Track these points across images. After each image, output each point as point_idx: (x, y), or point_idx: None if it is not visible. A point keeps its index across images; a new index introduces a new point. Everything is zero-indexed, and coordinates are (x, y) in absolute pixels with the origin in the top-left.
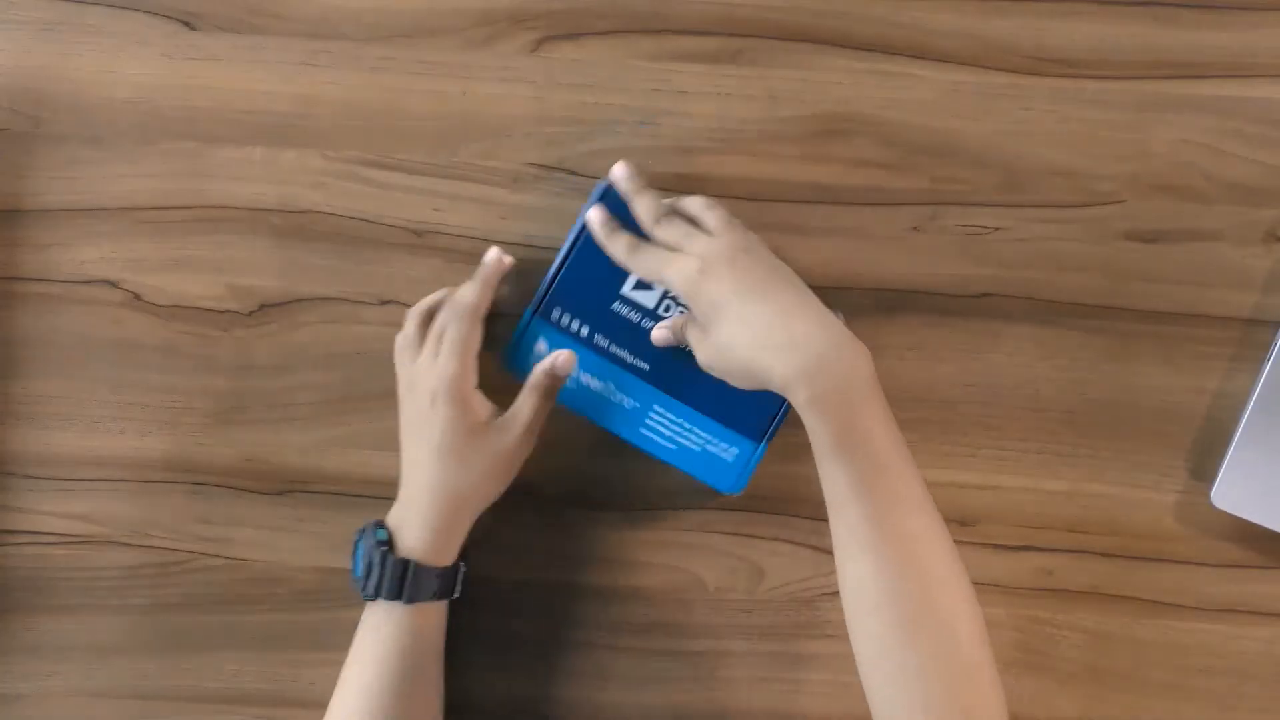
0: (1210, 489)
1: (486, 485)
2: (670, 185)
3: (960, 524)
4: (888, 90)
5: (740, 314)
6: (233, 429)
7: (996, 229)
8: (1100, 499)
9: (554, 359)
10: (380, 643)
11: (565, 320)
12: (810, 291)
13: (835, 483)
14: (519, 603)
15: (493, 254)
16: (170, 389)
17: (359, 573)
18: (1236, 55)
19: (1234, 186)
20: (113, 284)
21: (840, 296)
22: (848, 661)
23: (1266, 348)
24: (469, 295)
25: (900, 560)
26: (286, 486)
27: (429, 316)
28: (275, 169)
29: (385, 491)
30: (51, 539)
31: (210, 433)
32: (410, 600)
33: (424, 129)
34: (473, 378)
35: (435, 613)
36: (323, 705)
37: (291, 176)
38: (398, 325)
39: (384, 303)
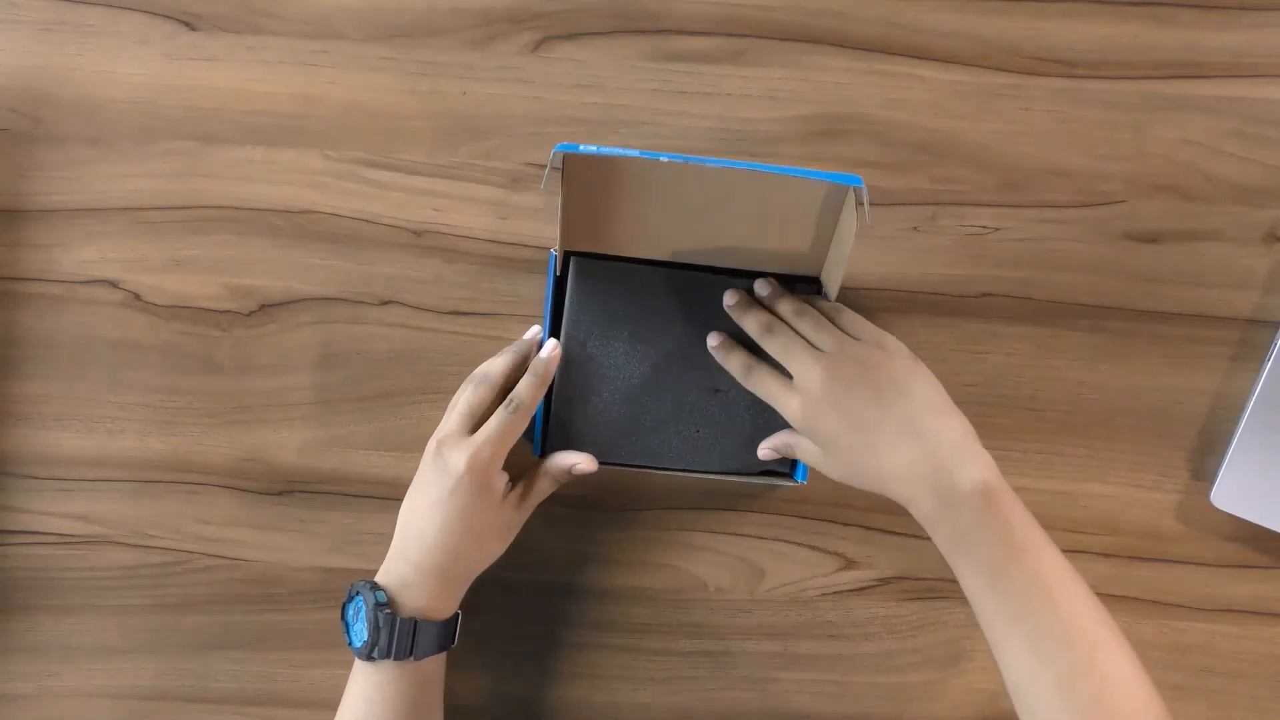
0: (1210, 489)
1: (493, 551)
2: None
3: None
4: (888, 90)
5: (850, 448)
6: (233, 429)
7: (996, 229)
8: (1100, 499)
9: (579, 462)
10: (387, 699)
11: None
12: (934, 395)
13: (966, 580)
14: (519, 603)
15: (548, 348)
16: (170, 389)
17: (365, 638)
18: (1236, 55)
19: (1234, 186)
20: (113, 284)
21: (841, 296)
22: (848, 661)
23: (1266, 348)
24: (526, 391)
25: (1054, 645)
26: (286, 486)
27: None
28: (275, 169)
29: (385, 491)
30: (51, 539)
31: (210, 433)
32: (418, 657)
33: (424, 129)
34: (500, 463)
35: (436, 661)
36: (323, 705)
37: (291, 176)
38: (398, 325)
39: (384, 303)
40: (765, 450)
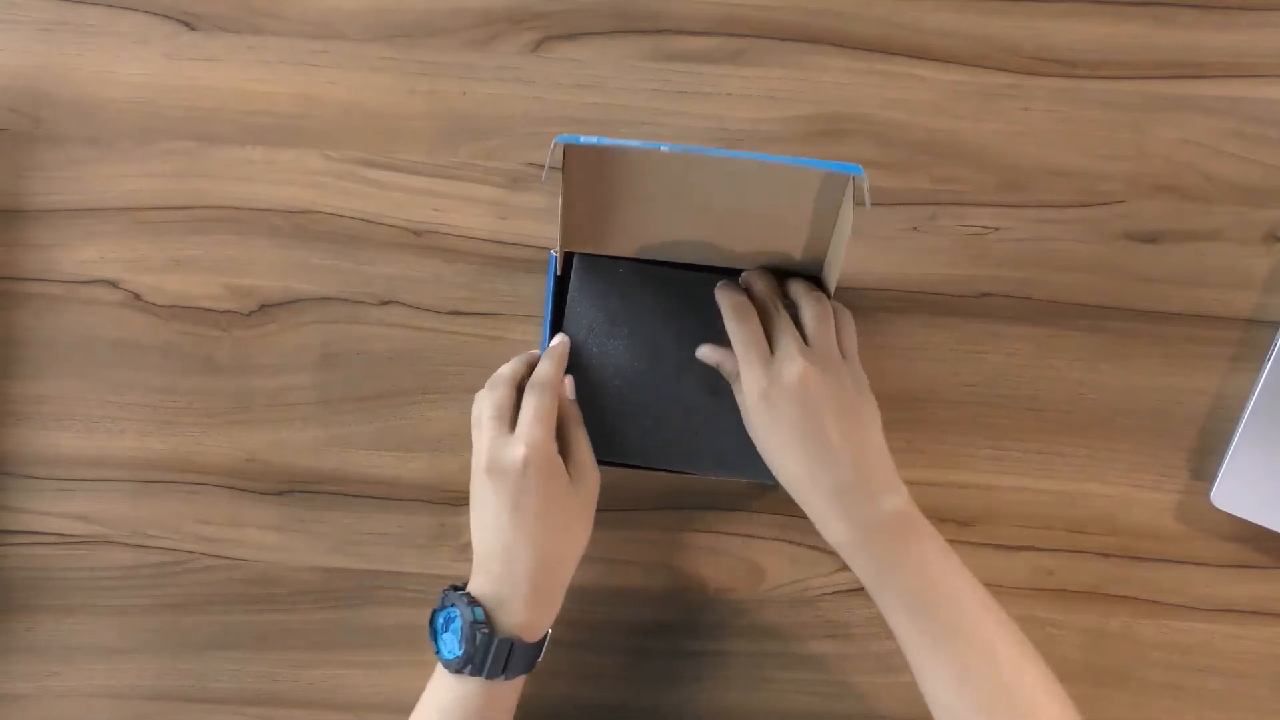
0: (1210, 489)
1: (582, 541)
2: None
3: (960, 524)
4: (888, 90)
5: (787, 445)
6: (233, 429)
7: (996, 229)
8: (1100, 499)
9: (564, 387)
10: (467, 714)
11: None
12: (879, 431)
13: (890, 613)
14: None
15: (558, 338)
16: (170, 389)
17: (458, 653)
18: (1236, 55)
19: (1234, 186)
20: (113, 284)
21: (841, 296)
22: (848, 661)
23: (1266, 348)
24: (547, 370)
25: (974, 670)
26: (286, 486)
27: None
28: (275, 169)
29: (385, 491)
30: (51, 539)
31: (210, 433)
32: (510, 677)
33: (424, 129)
34: (554, 440)
35: (520, 679)
36: (322, 705)
37: (291, 176)
38: (398, 325)
39: (384, 303)
40: (706, 351)
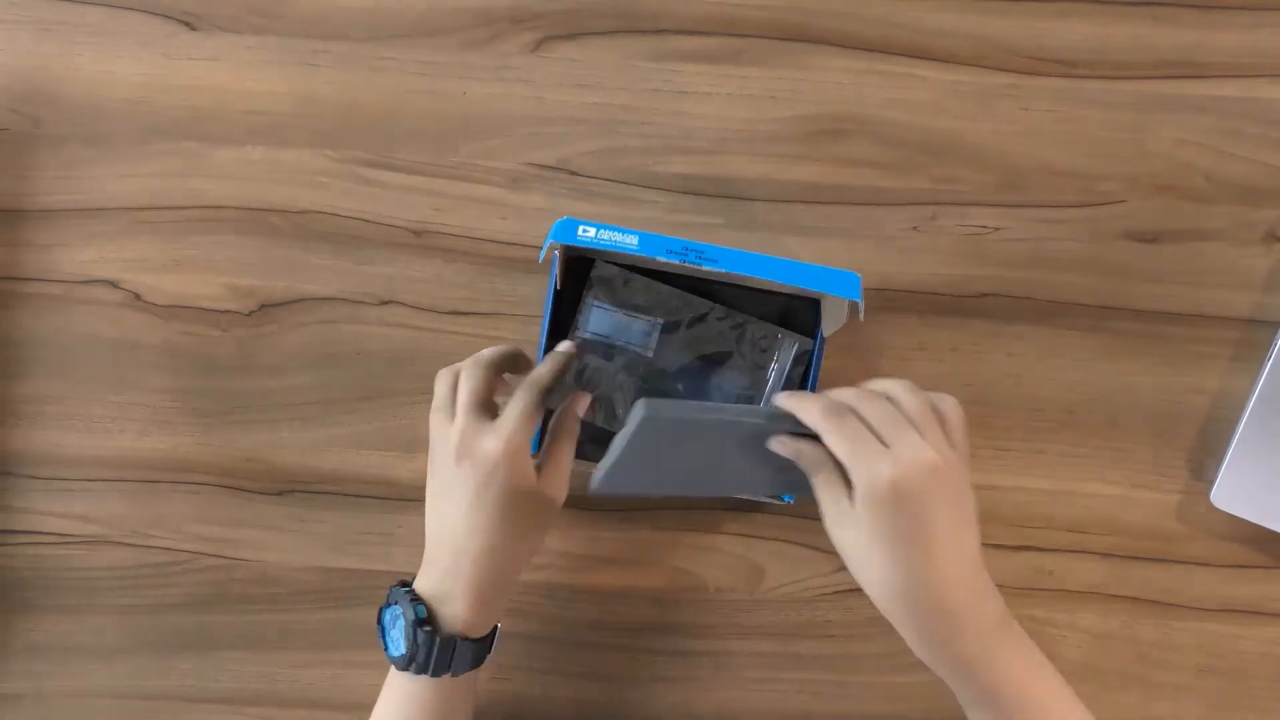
0: (1210, 489)
1: (534, 545)
2: (670, 185)
3: None
4: (888, 90)
5: (901, 546)
6: (233, 429)
7: (996, 229)
8: (1100, 499)
9: (573, 400)
10: (419, 710)
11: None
12: (972, 510)
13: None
14: (519, 603)
15: (567, 344)
16: (170, 389)
17: (402, 651)
18: (1236, 55)
19: (1234, 186)
20: (113, 284)
21: None
22: (848, 661)
23: (1266, 348)
24: (545, 372)
25: None
26: (286, 486)
27: (455, 381)
28: (275, 169)
29: (385, 491)
30: (51, 539)
31: (210, 433)
32: (455, 674)
33: (424, 129)
34: (530, 444)
35: (470, 677)
36: (322, 705)
37: (291, 176)
38: (398, 325)
39: (384, 303)
40: (780, 446)
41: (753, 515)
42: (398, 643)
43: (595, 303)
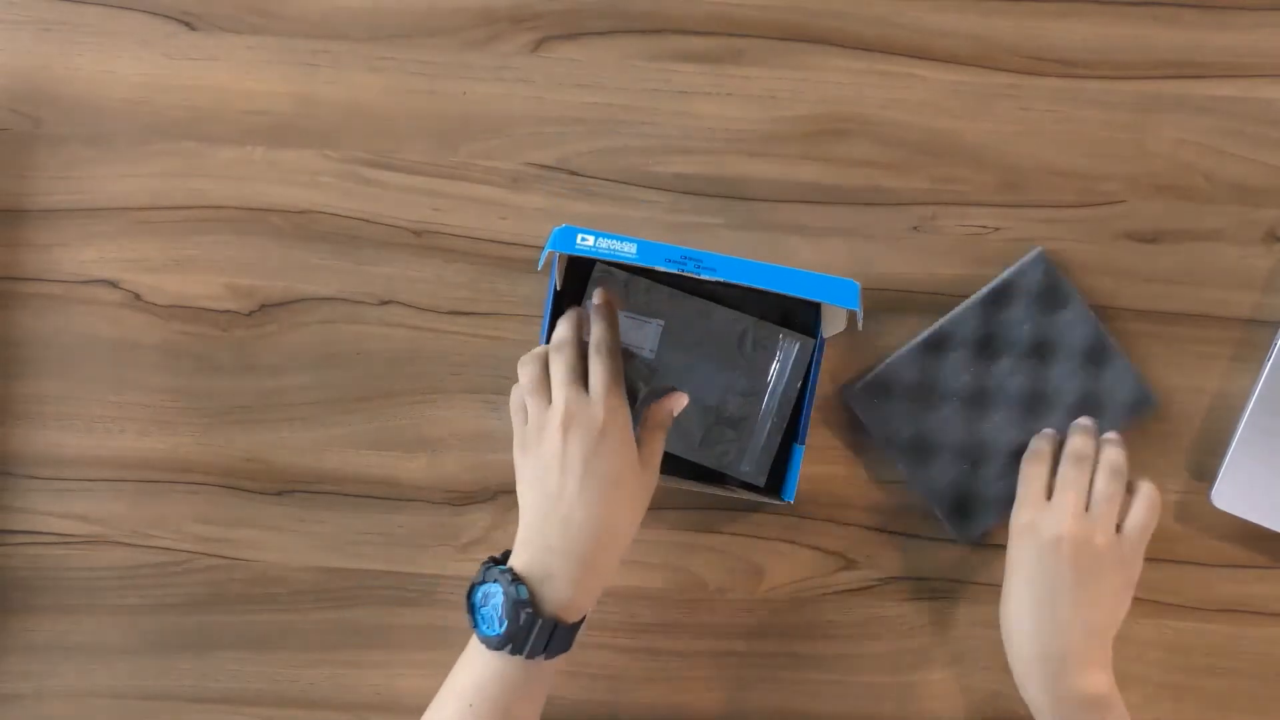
0: (1210, 489)
1: (636, 524)
2: (670, 185)
3: None
4: (888, 90)
5: (1019, 590)
6: (233, 429)
7: (996, 229)
8: None
9: (670, 398)
10: (504, 691)
11: None
12: (1110, 609)
13: None
14: None
15: (598, 295)
16: (170, 389)
17: (498, 632)
18: (1236, 55)
19: (1234, 186)
20: (113, 284)
21: None
22: (848, 661)
23: (1266, 348)
24: (605, 334)
25: None
26: (286, 486)
27: (543, 364)
28: (275, 169)
29: (385, 491)
30: (51, 539)
31: (210, 433)
32: (550, 657)
33: (424, 129)
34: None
35: (552, 660)
36: (323, 705)
37: (291, 176)
38: (398, 325)
39: (384, 303)
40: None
41: (753, 515)
42: (492, 622)
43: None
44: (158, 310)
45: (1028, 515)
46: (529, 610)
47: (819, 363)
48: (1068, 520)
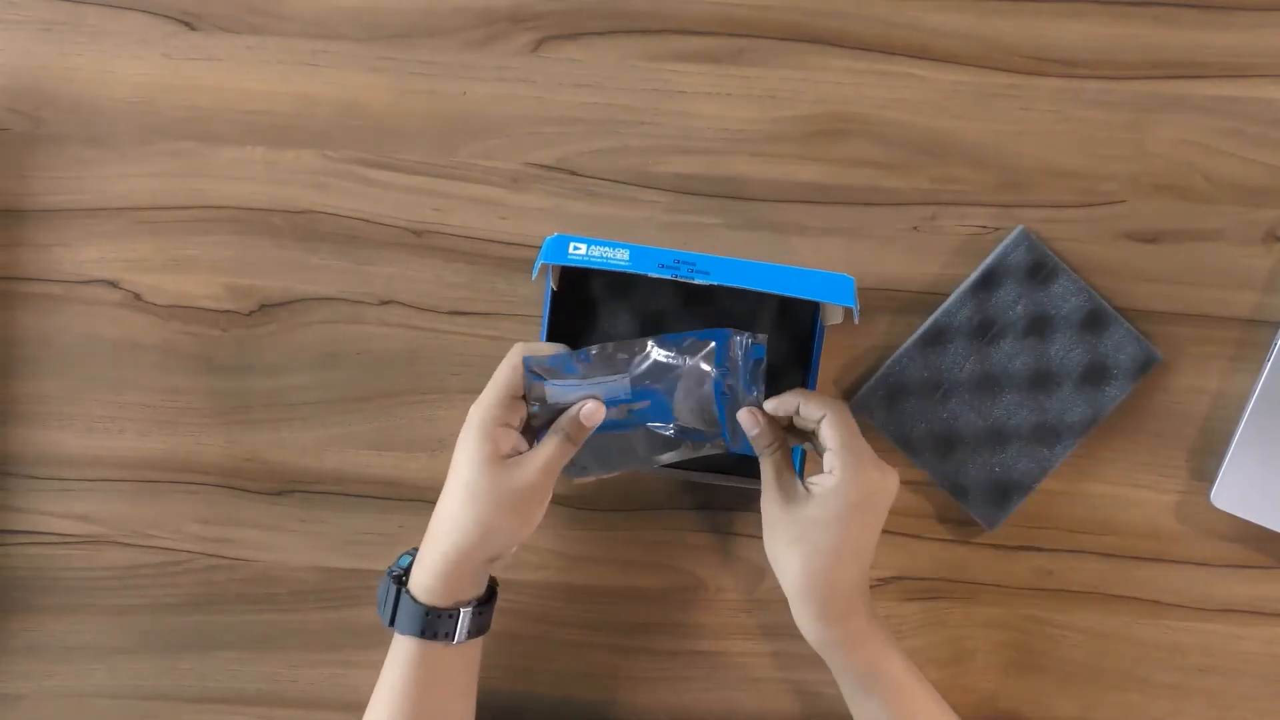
0: (1210, 489)
1: (497, 523)
2: (670, 185)
3: (960, 524)
4: (888, 90)
5: (844, 537)
6: (233, 429)
7: (996, 229)
8: (1100, 499)
9: (581, 407)
10: (389, 676)
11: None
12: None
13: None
14: (519, 603)
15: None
16: (170, 389)
17: (377, 598)
18: (1236, 55)
19: (1234, 186)
20: (113, 284)
21: None
22: None
23: (1266, 348)
24: (531, 345)
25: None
26: (286, 486)
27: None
28: (275, 169)
29: (385, 491)
30: (51, 539)
31: (210, 433)
32: (405, 631)
33: (424, 129)
34: (507, 415)
35: (450, 653)
36: (323, 705)
37: (291, 176)
38: (398, 325)
39: (384, 303)
40: (749, 421)
41: (753, 515)
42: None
43: (552, 383)
44: (158, 310)
45: (874, 473)
46: (394, 576)
47: (819, 352)
48: (894, 472)
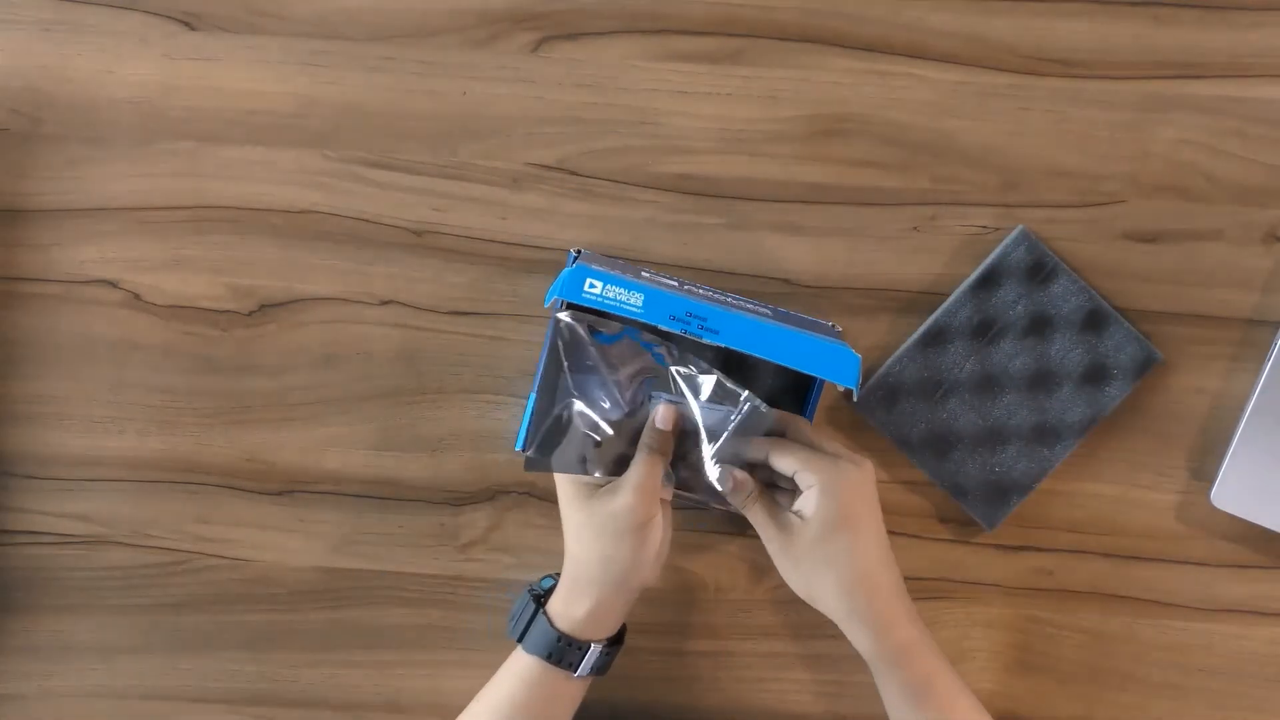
0: (1210, 489)
1: (610, 552)
2: (670, 185)
3: (961, 524)
4: (888, 90)
5: (857, 539)
6: (233, 429)
7: (996, 229)
8: (1100, 499)
9: (656, 412)
10: (503, 684)
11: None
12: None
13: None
14: None
15: (663, 419)
16: (170, 389)
17: (512, 612)
18: (1236, 55)
19: (1234, 186)
20: (113, 284)
21: (840, 296)
22: (848, 661)
23: (1266, 348)
24: (647, 439)
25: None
26: (286, 486)
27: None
28: (275, 169)
29: (385, 491)
30: (51, 539)
31: (210, 433)
32: (531, 650)
33: (424, 129)
34: (653, 499)
35: (568, 684)
36: (322, 705)
37: (291, 176)
38: (398, 325)
39: (384, 303)
40: (724, 478)
41: None
42: (514, 604)
43: (663, 397)
44: (158, 310)
45: (855, 472)
46: (533, 595)
47: (818, 394)
48: (863, 458)
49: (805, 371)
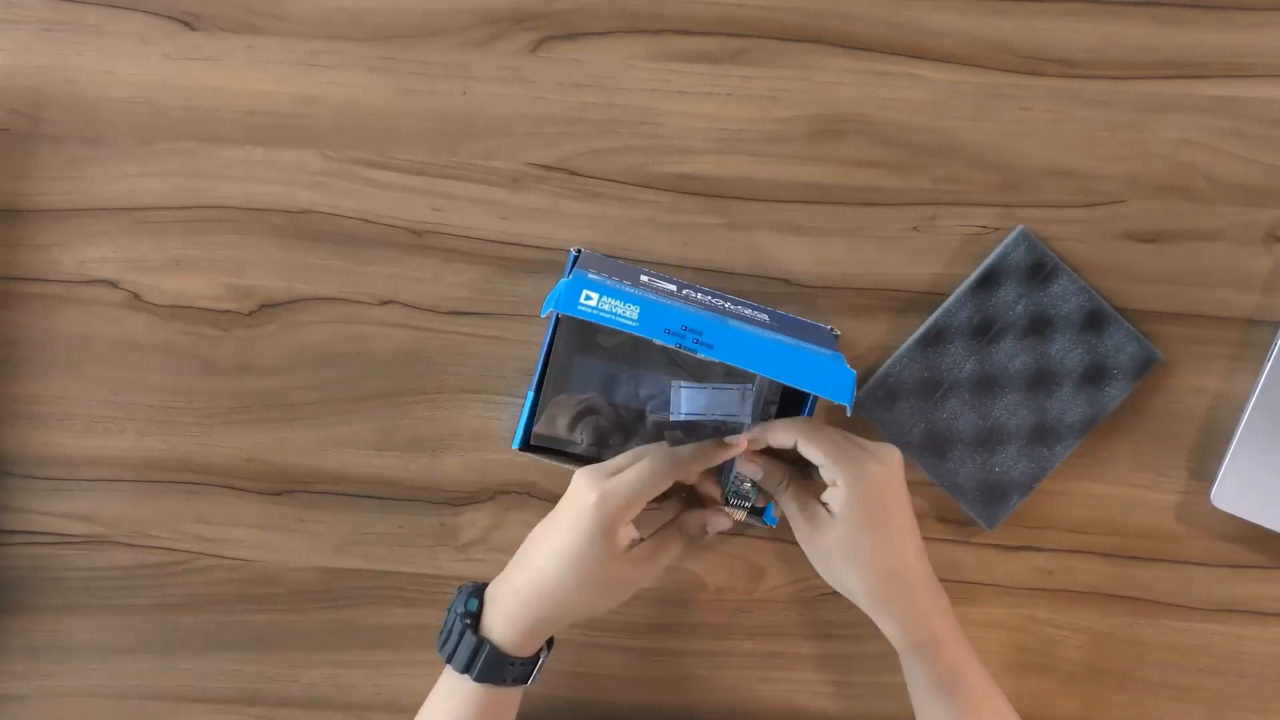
0: (1210, 489)
1: (595, 604)
2: (670, 185)
3: (960, 524)
4: (888, 90)
5: (885, 538)
6: (233, 429)
7: (996, 229)
8: (1100, 499)
9: (714, 515)
10: (445, 713)
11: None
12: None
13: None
14: None
15: (741, 443)
16: (170, 389)
17: (441, 635)
18: (1236, 55)
19: (1234, 186)
20: (113, 284)
21: (840, 296)
22: (848, 661)
23: (1266, 348)
24: (686, 450)
25: None
26: (286, 486)
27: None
28: (275, 169)
29: (385, 491)
30: (51, 539)
31: (210, 433)
32: (480, 679)
33: (424, 129)
34: (634, 513)
35: (513, 694)
36: (322, 705)
37: (291, 176)
38: (398, 325)
39: (384, 303)
40: (747, 463)
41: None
42: (443, 627)
43: (682, 385)
44: (158, 310)
45: (875, 464)
46: (467, 623)
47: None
48: (893, 452)
49: (799, 388)
